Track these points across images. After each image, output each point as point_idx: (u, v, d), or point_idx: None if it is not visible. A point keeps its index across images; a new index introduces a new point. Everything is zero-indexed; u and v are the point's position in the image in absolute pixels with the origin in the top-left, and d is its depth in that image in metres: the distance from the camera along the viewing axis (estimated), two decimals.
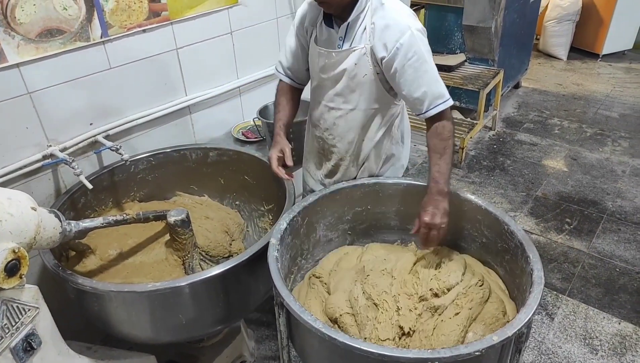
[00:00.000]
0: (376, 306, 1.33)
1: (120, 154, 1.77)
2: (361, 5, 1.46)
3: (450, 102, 1.48)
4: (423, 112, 1.47)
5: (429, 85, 1.44)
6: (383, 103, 1.60)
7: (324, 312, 1.41)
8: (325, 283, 1.50)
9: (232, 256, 1.85)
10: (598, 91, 4.67)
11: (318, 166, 1.84)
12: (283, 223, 1.45)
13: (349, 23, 1.49)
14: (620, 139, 3.80)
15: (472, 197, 1.55)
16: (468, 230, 1.60)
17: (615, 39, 5.27)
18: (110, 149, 1.79)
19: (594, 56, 5.43)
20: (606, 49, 5.33)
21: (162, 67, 1.99)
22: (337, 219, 1.68)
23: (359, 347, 1.05)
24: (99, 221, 1.52)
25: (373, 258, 1.57)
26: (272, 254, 1.32)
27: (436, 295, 1.37)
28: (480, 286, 1.39)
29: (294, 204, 1.59)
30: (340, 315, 1.36)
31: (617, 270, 2.52)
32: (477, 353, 1.04)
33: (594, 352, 2.08)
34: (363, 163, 1.71)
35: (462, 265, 1.48)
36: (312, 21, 1.61)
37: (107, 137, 1.86)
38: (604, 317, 2.24)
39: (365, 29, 1.47)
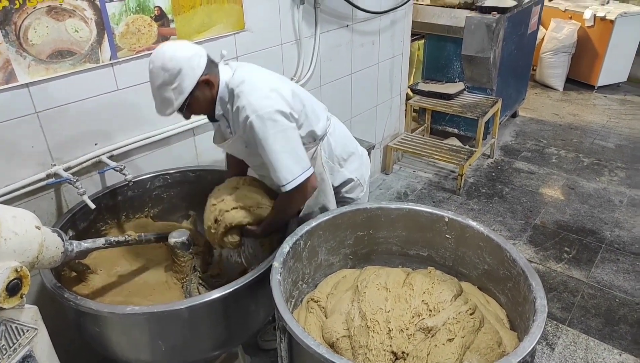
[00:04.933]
0: (368, 328, 1.32)
1: (124, 174, 1.78)
2: (223, 99, 1.57)
3: (289, 186, 1.50)
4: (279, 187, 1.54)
5: (273, 170, 1.51)
6: None
7: (321, 337, 1.39)
8: (323, 307, 1.49)
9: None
10: (594, 121, 4.74)
11: None
12: (286, 246, 1.45)
13: (223, 115, 1.61)
14: (617, 169, 3.84)
15: (473, 224, 1.56)
16: (469, 257, 1.60)
17: (610, 72, 5.38)
18: (115, 170, 1.80)
19: (590, 87, 5.53)
20: (601, 81, 5.43)
21: None
22: (338, 243, 1.68)
23: None
24: (100, 242, 1.52)
25: (368, 277, 1.56)
26: (275, 277, 1.32)
27: (429, 310, 1.37)
28: (471, 314, 1.38)
29: (296, 227, 1.59)
30: (337, 340, 1.35)
31: (617, 300, 2.51)
32: None
33: None
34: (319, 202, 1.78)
35: (455, 288, 1.48)
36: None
37: (111, 157, 1.88)
38: (605, 348, 2.22)
39: (232, 118, 1.58)
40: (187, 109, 1.54)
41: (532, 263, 2.79)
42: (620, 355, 2.19)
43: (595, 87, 5.47)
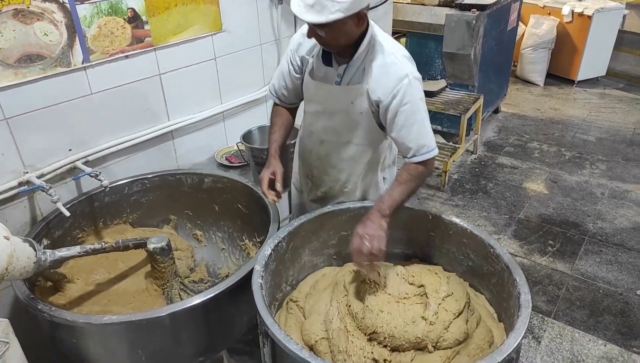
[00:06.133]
0: (347, 332, 1.30)
1: (99, 180, 1.73)
2: (363, 47, 1.47)
3: (435, 152, 1.49)
4: (408, 157, 1.50)
5: (417, 135, 1.46)
6: (376, 138, 1.63)
7: (301, 339, 1.37)
8: (302, 307, 1.47)
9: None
10: (575, 115, 4.79)
11: (307, 191, 1.83)
12: (267, 248, 1.43)
13: (348, 63, 1.50)
14: (598, 162, 3.89)
15: (457, 220, 1.55)
16: (454, 254, 1.59)
17: (590, 66, 5.45)
18: (90, 176, 1.75)
19: (570, 82, 5.60)
20: (581, 76, 5.51)
21: (145, 93, 1.97)
22: (322, 244, 1.65)
23: None
24: (75, 250, 1.47)
25: (348, 273, 1.53)
26: (257, 281, 1.29)
27: (429, 322, 1.32)
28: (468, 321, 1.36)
29: (278, 229, 1.57)
30: (316, 342, 1.32)
31: (601, 291, 2.53)
32: None
33: None
34: (352, 192, 1.73)
35: (464, 292, 1.43)
36: (308, 52, 1.61)
37: (86, 163, 1.83)
38: (590, 340, 2.24)
39: (364, 69, 1.49)
40: (331, 31, 1.36)
41: (516, 257, 2.80)
42: (605, 345, 2.21)
43: (575, 82, 5.54)
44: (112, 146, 1.91)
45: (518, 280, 1.29)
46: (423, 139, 1.46)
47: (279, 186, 1.63)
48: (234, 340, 1.69)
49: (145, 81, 1.96)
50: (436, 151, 1.49)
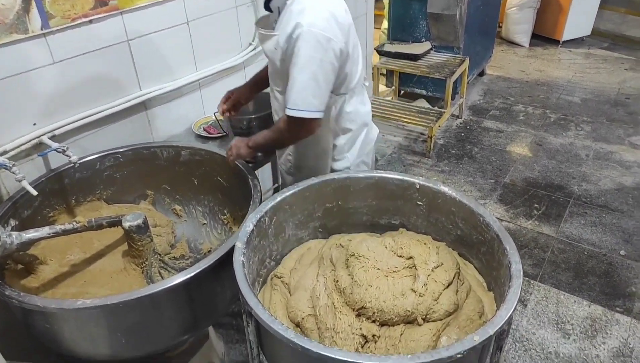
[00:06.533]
0: (335, 309, 1.26)
1: (67, 156, 1.63)
2: None
3: (301, 114, 1.42)
4: (285, 108, 1.45)
5: (292, 86, 1.40)
6: None
7: (287, 316, 1.32)
8: (287, 284, 1.42)
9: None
10: (560, 76, 4.75)
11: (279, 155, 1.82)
12: (249, 224, 1.36)
13: (278, 8, 1.48)
14: (583, 123, 3.87)
15: (445, 189, 1.50)
16: (442, 223, 1.55)
17: (575, 26, 5.37)
18: (57, 151, 1.64)
19: (555, 42, 5.52)
20: (566, 36, 5.43)
21: (113, 61, 1.84)
22: (307, 216, 1.59)
23: (334, 356, 0.98)
24: (44, 231, 1.39)
25: (334, 246, 1.48)
26: (238, 259, 1.23)
27: (419, 294, 1.27)
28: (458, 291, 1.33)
29: (260, 202, 1.50)
30: (302, 319, 1.28)
31: (585, 253, 2.55)
32: (458, 355, 0.98)
33: (567, 336, 2.09)
34: (302, 155, 1.72)
35: (454, 262, 1.39)
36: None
37: (53, 137, 1.71)
38: (575, 301, 2.26)
39: (289, 14, 1.43)
40: None
41: (502, 221, 2.80)
42: (589, 306, 2.23)
43: (560, 42, 5.47)
44: (81, 119, 1.79)
45: (508, 249, 1.25)
46: (295, 93, 1.40)
47: (221, 105, 1.84)
48: (219, 316, 1.65)
49: (112, 47, 1.82)
50: (300, 113, 1.40)
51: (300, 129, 1.47)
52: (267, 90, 1.77)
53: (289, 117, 1.43)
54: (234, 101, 1.86)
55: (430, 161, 3.40)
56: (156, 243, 1.81)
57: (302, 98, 1.39)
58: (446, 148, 3.57)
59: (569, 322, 2.16)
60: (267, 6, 1.54)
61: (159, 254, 1.71)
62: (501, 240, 1.29)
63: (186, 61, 2.12)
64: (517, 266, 1.20)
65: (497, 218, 2.78)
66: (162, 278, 1.68)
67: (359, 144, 1.74)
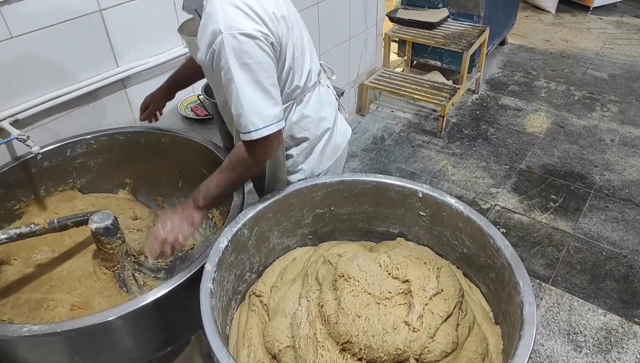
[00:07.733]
0: (317, 342, 1.10)
1: (28, 146, 1.45)
2: None
3: (259, 134, 1.15)
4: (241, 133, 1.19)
5: (240, 109, 1.14)
6: None
7: (263, 345, 1.17)
8: (266, 305, 1.26)
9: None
10: (587, 48, 4.38)
11: None
12: (223, 240, 1.19)
13: (196, 10, 1.22)
14: (610, 103, 3.57)
15: (452, 201, 1.30)
16: (446, 237, 1.37)
17: None
18: (17, 140, 1.46)
19: (584, 8, 5.09)
20: (597, 1, 5.00)
21: (83, 34, 1.63)
22: (294, 224, 1.42)
23: None
24: None
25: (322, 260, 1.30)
26: (206, 287, 1.07)
27: (413, 329, 1.11)
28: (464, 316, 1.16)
29: (241, 211, 1.32)
30: (280, 351, 1.12)
31: (604, 253, 2.35)
32: None
33: (578, 349, 1.94)
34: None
35: (457, 289, 1.22)
36: None
37: (15, 122, 1.53)
38: (589, 309, 2.09)
39: (205, 18, 1.14)
40: None
41: (515, 214, 2.60)
42: (605, 315, 2.06)
43: (591, 8, 5.05)
44: (48, 101, 1.61)
45: (522, 285, 1.07)
46: (247, 114, 1.14)
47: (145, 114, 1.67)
48: (199, 327, 1.51)
49: (82, 18, 1.61)
50: (262, 133, 1.15)
51: (268, 148, 1.21)
52: None
53: (251, 142, 1.17)
54: (152, 112, 1.69)
55: (441, 142, 3.17)
56: (134, 239, 1.67)
57: (257, 115, 1.14)
58: (459, 127, 3.32)
59: (581, 332, 2.00)
60: (186, 7, 1.26)
61: (134, 255, 1.56)
62: (513, 271, 1.11)
63: (169, 34, 1.89)
64: (530, 308, 1.02)
65: (510, 210, 2.60)
66: (137, 282, 1.54)
67: (318, 153, 1.44)
